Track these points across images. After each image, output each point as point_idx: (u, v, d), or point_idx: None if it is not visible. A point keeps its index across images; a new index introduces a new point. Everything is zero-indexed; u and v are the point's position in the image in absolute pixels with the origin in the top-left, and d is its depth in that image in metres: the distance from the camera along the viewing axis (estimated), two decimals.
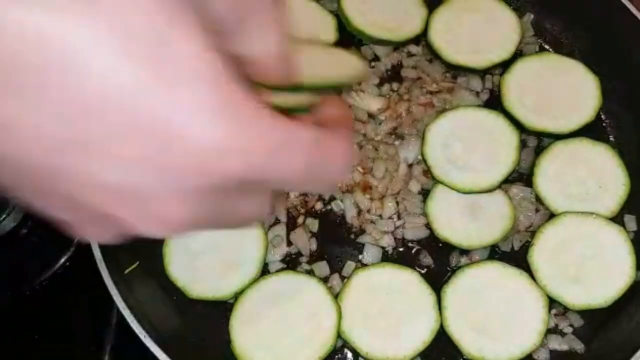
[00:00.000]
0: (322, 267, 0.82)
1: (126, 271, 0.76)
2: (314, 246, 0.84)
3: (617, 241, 0.81)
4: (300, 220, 0.84)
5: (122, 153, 0.31)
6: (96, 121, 0.30)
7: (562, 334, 0.80)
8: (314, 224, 0.85)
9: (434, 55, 0.94)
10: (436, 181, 0.85)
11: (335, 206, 0.86)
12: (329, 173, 0.40)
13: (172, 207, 0.34)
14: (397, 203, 0.86)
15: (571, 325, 0.81)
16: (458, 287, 0.79)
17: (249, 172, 0.34)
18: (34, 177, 0.33)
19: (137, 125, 0.31)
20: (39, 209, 0.36)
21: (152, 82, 0.30)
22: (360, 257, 0.83)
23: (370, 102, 0.90)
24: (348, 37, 0.95)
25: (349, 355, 0.79)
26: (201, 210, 0.35)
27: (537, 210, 0.86)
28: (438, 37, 0.93)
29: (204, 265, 0.79)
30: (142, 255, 0.79)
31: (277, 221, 0.85)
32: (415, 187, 0.86)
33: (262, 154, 0.34)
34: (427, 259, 0.83)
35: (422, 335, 0.77)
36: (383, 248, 0.84)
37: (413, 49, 0.95)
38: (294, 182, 0.38)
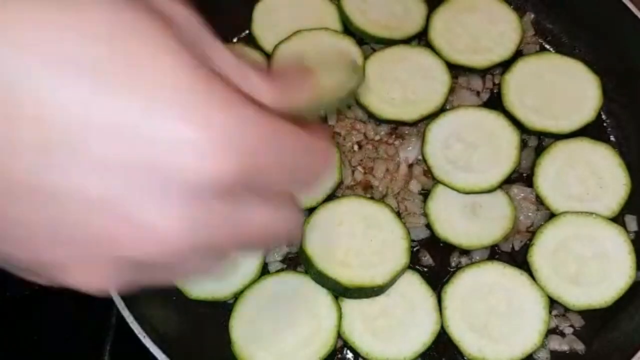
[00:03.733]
0: None
1: None
2: None
3: (617, 241, 0.81)
4: None
5: (98, 159, 0.30)
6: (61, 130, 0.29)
7: (563, 335, 0.80)
8: None
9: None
10: (436, 181, 0.85)
11: None
12: (313, 168, 0.38)
13: (165, 219, 0.31)
14: (398, 203, 0.85)
15: (572, 326, 0.81)
16: (458, 288, 0.79)
17: (232, 168, 0.31)
18: (13, 210, 0.31)
19: (107, 127, 0.30)
20: (17, 258, 0.33)
21: (121, 87, 0.30)
22: None
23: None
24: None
25: (349, 355, 0.79)
26: (201, 222, 0.32)
27: (537, 210, 0.86)
28: (438, 37, 0.93)
29: None
30: None
31: None
32: (415, 187, 0.86)
33: (250, 145, 0.32)
34: (427, 259, 0.83)
35: (422, 336, 0.77)
36: None
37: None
38: (281, 177, 0.36)
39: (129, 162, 0.30)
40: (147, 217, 0.31)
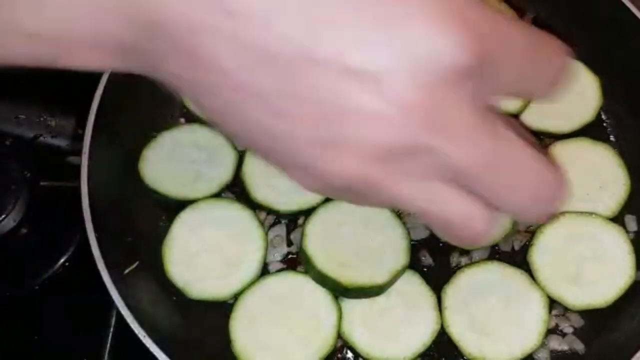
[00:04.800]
0: None
1: (126, 271, 0.75)
2: None
3: (617, 241, 0.81)
4: (300, 220, 0.84)
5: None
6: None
7: (563, 334, 0.80)
8: None
9: None
10: None
11: None
12: (546, 71, 0.39)
13: (417, 90, 0.33)
14: None
15: (572, 326, 0.81)
16: (458, 287, 0.79)
17: (483, 52, 0.34)
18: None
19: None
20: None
21: None
22: None
23: None
24: None
25: (349, 355, 0.79)
26: (442, 100, 0.34)
27: None
28: None
29: (204, 265, 0.79)
30: (142, 255, 0.78)
31: (277, 221, 0.84)
32: None
33: (493, 38, 0.35)
34: (427, 259, 0.83)
35: (422, 335, 0.77)
36: None
37: None
38: (514, 75, 0.37)
39: (385, 43, 0.33)
40: (406, 96, 0.33)
